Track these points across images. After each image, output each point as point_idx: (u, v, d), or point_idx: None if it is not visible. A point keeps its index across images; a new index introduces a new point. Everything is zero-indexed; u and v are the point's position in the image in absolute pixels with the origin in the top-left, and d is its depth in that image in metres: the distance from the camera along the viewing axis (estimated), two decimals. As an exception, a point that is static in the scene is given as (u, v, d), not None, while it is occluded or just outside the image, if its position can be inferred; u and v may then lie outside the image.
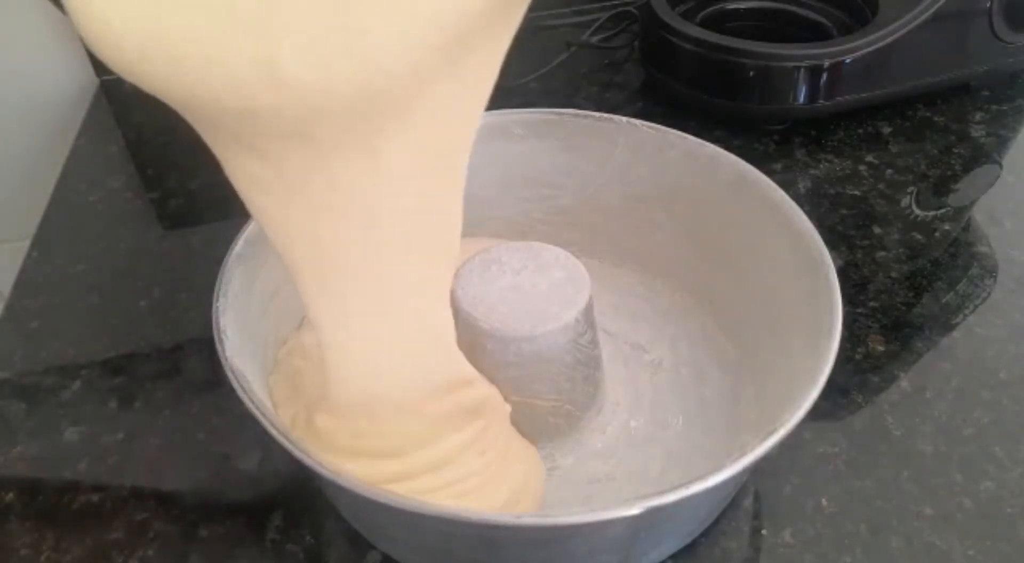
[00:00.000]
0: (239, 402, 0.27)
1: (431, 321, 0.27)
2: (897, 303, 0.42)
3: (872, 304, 0.41)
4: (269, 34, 0.17)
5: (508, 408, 0.31)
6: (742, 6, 0.58)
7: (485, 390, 0.30)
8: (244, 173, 0.22)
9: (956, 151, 0.52)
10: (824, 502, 0.33)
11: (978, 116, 0.55)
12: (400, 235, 0.24)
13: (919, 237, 0.46)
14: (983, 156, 0.52)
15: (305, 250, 0.24)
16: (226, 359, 0.28)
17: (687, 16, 0.55)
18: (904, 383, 0.38)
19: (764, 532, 0.32)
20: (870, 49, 0.50)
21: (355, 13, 0.17)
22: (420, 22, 0.18)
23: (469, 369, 0.29)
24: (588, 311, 0.32)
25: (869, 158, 0.51)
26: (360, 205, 0.22)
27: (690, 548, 0.32)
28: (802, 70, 0.50)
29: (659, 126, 0.38)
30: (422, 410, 0.28)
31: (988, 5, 0.51)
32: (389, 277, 0.24)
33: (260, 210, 0.23)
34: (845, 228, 0.46)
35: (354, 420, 0.28)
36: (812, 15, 0.57)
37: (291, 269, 0.24)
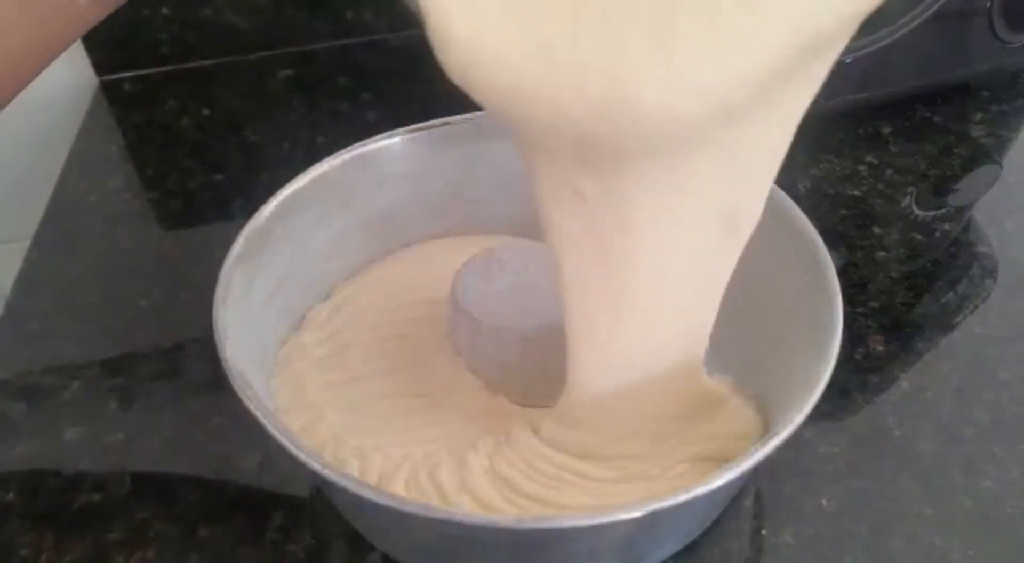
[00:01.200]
0: (239, 402, 0.27)
1: (692, 347, 0.27)
2: (897, 303, 0.42)
3: (872, 304, 0.41)
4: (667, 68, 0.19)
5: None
6: (742, 6, 0.58)
7: (732, 422, 0.30)
8: (563, 188, 0.23)
9: (956, 151, 0.52)
10: (824, 502, 0.33)
11: (978, 116, 0.55)
12: (690, 250, 0.25)
13: (919, 237, 0.46)
14: (983, 156, 0.52)
15: (592, 261, 0.24)
16: (226, 359, 0.28)
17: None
18: (904, 383, 0.38)
19: (764, 532, 0.32)
20: (870, 49, 0.50)
21: (706, 48, 0.19)
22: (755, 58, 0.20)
23: (718, 390, 0.29)
24: (588, 311, 0.32)
25: (869, 158, 0.51)
26: (666, 215, 0.23)
27: (691, 548, 0.32)
28: (802, 70, 0.50)
29: (659, 126, 0.38)
30: (666, 435, 0.29)
31: (988, 5, 0.51)
32: (665, 295, 0.25)
33: (564, 218, 0.24)
34: (845, 228, 0.46)
35: (587, 432, 0.29)
36: (812, 15, 0.57)
37: (565, 276, 0.25)
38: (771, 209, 0.34)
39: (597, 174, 0.22)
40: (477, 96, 0.21)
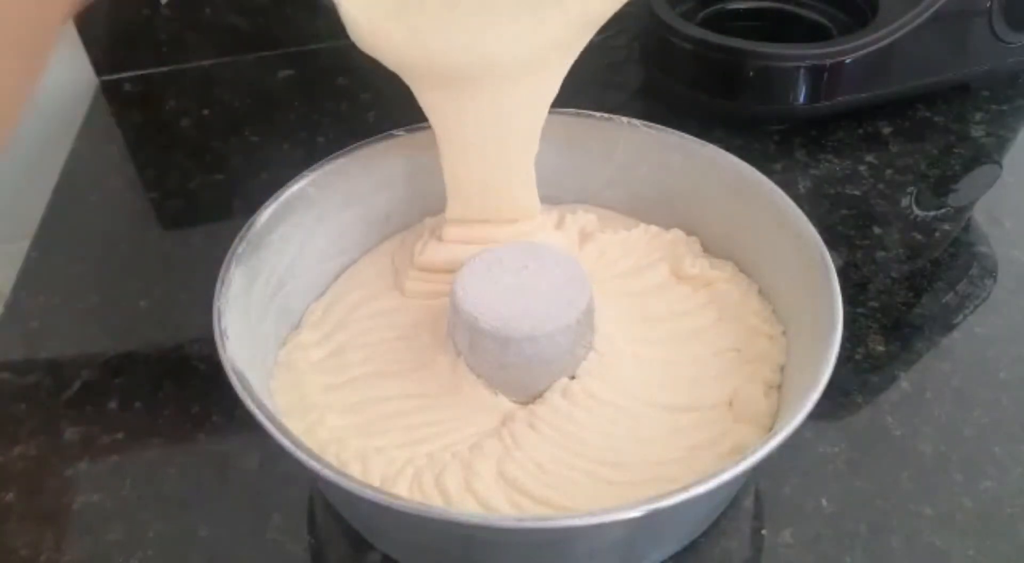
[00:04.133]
0: (239, 402, 0.27)
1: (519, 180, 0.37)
2: (897, 303, 0.42)
3: (872, 304, 0.41)
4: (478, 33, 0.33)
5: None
6: (742, 6, 0.58)
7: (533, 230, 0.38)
8: (428, 99, 0.35)
9: (956, 151, 0.52)
10: (824, 502, 0.33)
11: (978, 116, 0.55)
12: (505, 132, 0.36)
13: (919, 237, 0.46)
14: (983, 156, 0.52)
15: (451, 133, 0.36)
16: (226, 359, 0.28)
17: (687, 16, 0.55)
18: (904, 383, 0.38)
19: (764, 532, 0.32)
20: (870, 49, 0.50)
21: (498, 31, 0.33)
22: (530, 43, 0.34)
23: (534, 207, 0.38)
24: (589, 312, 0.32)
25: (869, 158, 0.51)
26: (493, 111, 0.35)
27: (690, 548, 0.32)
28: (802, 70, 0.50)
29: (659, 126, 0.38)
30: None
31: (988, 5, 0.51)
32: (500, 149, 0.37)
33: (433, 114, 0.36)
34: (845, 228, 0.46)
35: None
36: (812, 15, 0.57)
37: (441, 143, 0.36)
38: (771, 209, 0.35)
39: (457, 91, 0.35)
40: (379, 59, 0.34)
